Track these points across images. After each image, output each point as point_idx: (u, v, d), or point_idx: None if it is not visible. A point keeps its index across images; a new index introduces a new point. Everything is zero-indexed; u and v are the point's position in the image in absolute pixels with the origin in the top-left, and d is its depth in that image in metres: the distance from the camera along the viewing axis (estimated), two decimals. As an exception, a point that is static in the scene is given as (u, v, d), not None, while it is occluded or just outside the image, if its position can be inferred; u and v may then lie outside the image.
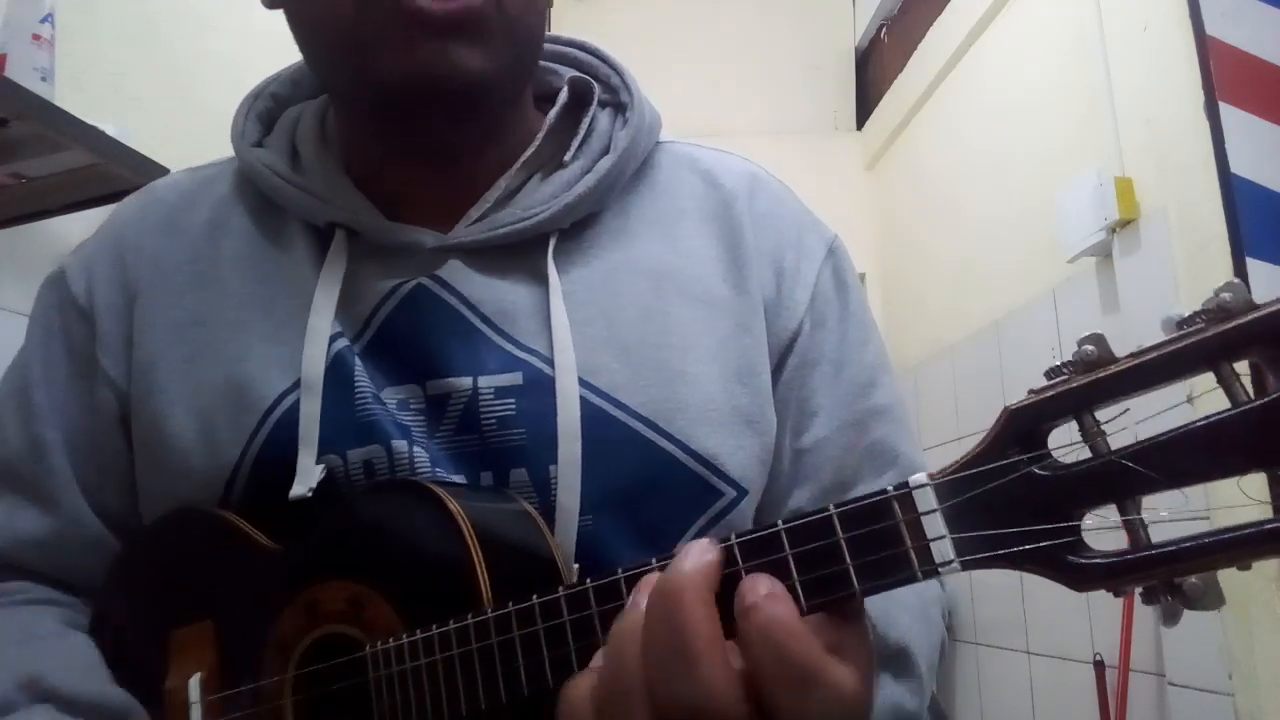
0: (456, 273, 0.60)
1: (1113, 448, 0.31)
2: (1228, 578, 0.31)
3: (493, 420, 0.56)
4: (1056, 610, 2.02)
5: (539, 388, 0.57)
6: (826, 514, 0.36)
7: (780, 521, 0.37)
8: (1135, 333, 1.69)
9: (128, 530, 0.63)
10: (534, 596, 0.43)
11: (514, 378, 0.57)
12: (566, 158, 0.63)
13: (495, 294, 0.60)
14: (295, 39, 0.61)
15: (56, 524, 0.62)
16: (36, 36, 1.20)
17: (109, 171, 1.26)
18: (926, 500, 0.34)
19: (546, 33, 0.67)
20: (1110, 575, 0.31)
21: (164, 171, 1.30)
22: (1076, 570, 0.31)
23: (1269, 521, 0.29)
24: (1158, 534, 0.31)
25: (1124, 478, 0.30)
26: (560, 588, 0.42)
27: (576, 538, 0.54)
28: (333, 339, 0.58)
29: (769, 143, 2.81)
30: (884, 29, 3.25)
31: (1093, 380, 0.31)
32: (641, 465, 0.56)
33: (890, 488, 0.35)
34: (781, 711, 0.35)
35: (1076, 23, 1.93)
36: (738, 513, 0.59)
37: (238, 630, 0.54)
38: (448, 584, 0.48)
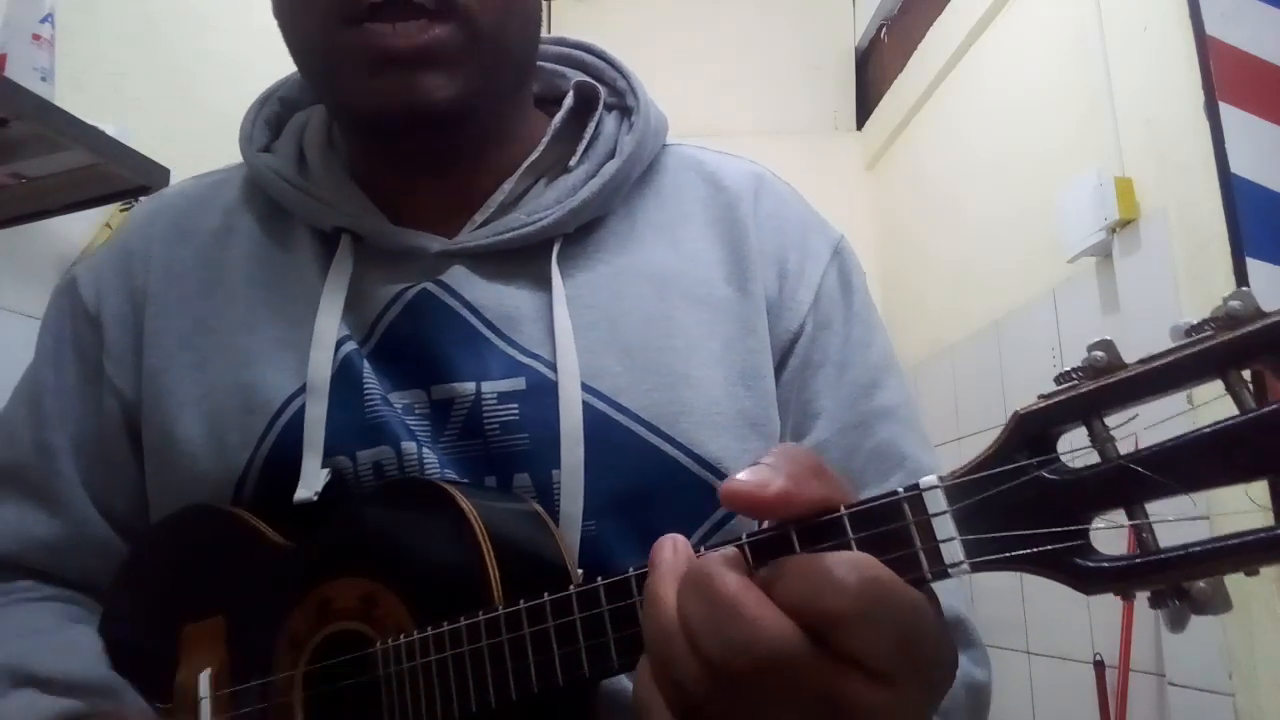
0: (461, 278, 0.60)
1: (1121, 453, 0.31)
2: (1232, 580, 0.31)
3: (496, 425, 0.56)
4: (1056, 610, 2.02)
5: (542, 392, 0.57)
6: (837, 514, 0.36)
7: (791, 523, 0.37)
8: (1135, 333, 1.69)
9: (135, 533, 0.64)
10: (545, 594, 0.43)
11: (517, 383, 0.57)
12: (572, 162, 0.64)
13: (499, 299, 0.60)
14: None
15: (65, 527, 0.63)
16: (36, 36, 1.20)
17: (109, 171, 1.26)
18: (937, 502, 0.34)
19: (547, 34, 0.67)
20: (1119, 579, 0.31)
21: (164, 171, 1.31)
22: (1085, 574, 0.32)
23: (1276, 528, 0.29)
24: (1164, 538, 0.31)
25: (1132, 483, 0.31)
26: (571, 585, 0.43)
27: (580, 543, 0.54)
28: (341, 343, 0.59)
29: (769, 143, 2.81)
30: (884, 29, 3.25)
31: (1102, 386, 0.32)
32: (645, 470, 0.56)
33: (900, 489, 0.35)
34: (853, 637, 0.32)
35: (1076, 23, 1.93)
36: (742, 518, 0.59)
37: (249, 626, 0.55)
38: (459, 582, 0.48)
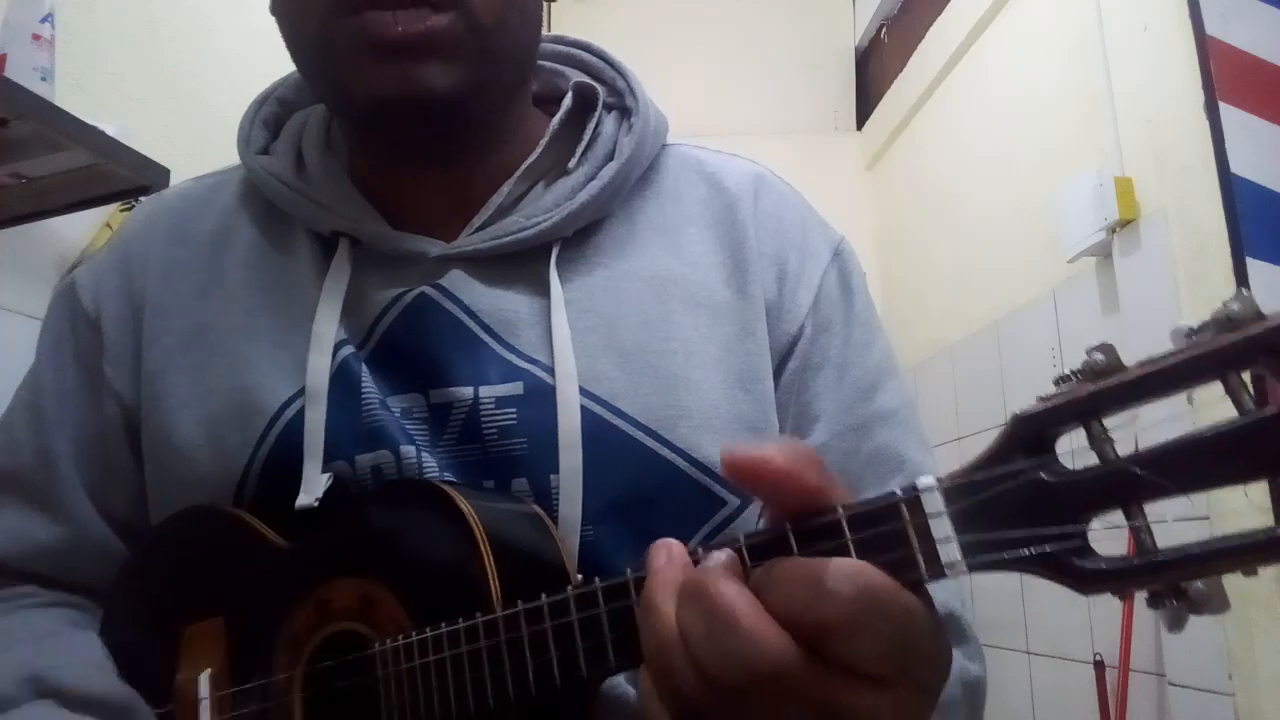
0: (459, 281, 0.60)
1: (1120, 455, 0.31)
2: (1229, 579, 0.31)
3: (494, 430, 0.56)
4: (1056, 610, 2.02)
5: (540, 397, 0.57)
6: (834, 516, 0.36)
7: (788, 524, 0.37)
8: (1135, 333, 1.69)
9: (136, 537, 0.64)
10: (543, 595, 0.43)
11: (515, 387, 0.57)
12: (571, 164, 0.63)
13: (497, 303, 0.60)
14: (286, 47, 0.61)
15: (67, 532, 0.63)
16: (36, 36, 1.20)
17: (109, 171, 1.26)
18: (934, 503, 0.34)
19: (546, 33, 0.67)
20: (1116, 580, 0.31)
21: (164, 171, 1.31)
22: (1083, 574, 0.32)
23: (1276, 529, 0.29)
24: (1162, 539, 0.32)
25: (1131, 484, 0.31)
26: (569, 586, 0.43)
27: (578, 548, 0.54)
28: (338, 346, 0.59)
29: (769, 143, 2.81)
30: (884, 29, 3.25)
31: (1100, 388, 0.32)
32: (643, 475, 0.56)
33: (898, 490, 0.35)
34: (846, 645, 0.33)
35: (1076, 23, 1.93)
36: (741, 521, 0.58)
37: (249, 627, 0.55)
38: (458, 583, 0.48)
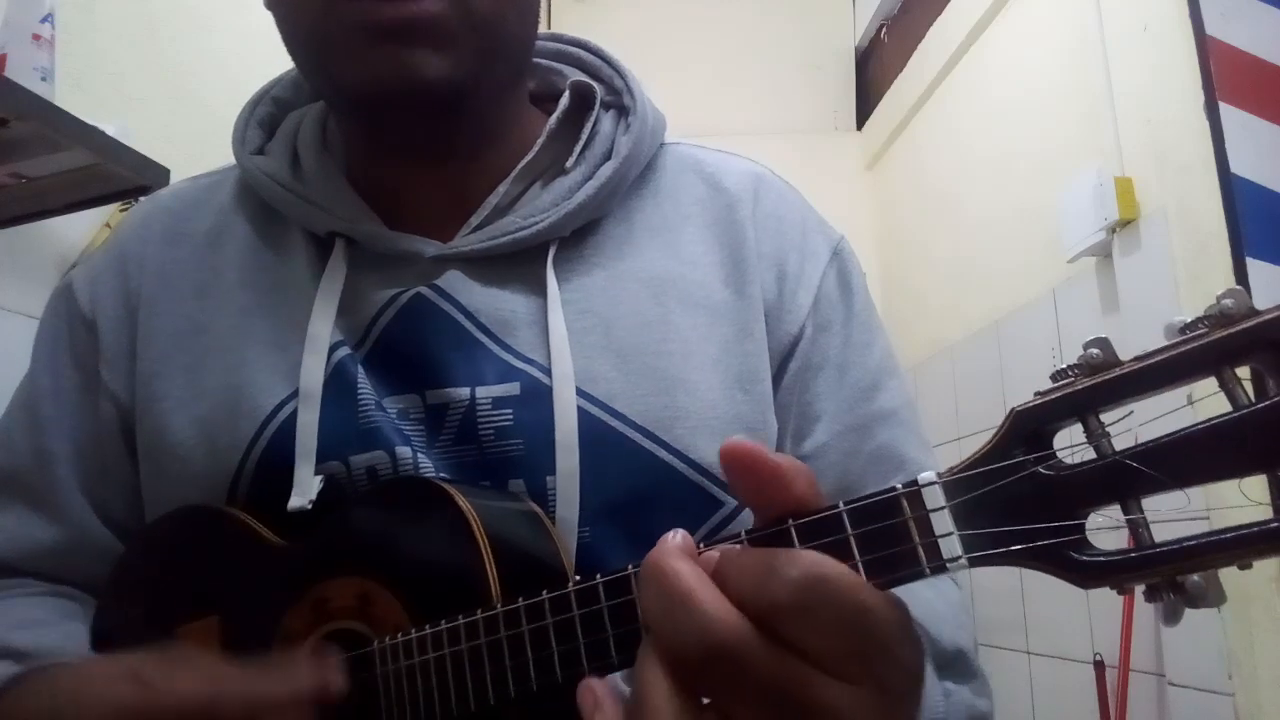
0: (456, 282, 0.60)
1: (1117, 449, 0.32)
2: (1228, 577, 0.31)
3: (490, 431, 0.56)
4: (1056, 610, 2.02)
5: (536, 398, 0.57)
6: (836, 510, 0.36)
7: (790, 518, 0.37)
8: (1135, 332, 1.69)
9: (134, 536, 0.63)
10: (544, 592, 0.43)
11: (511, 388, 0.57)
12: (568, 163, 0.63)
13: (494, 303, 0.60)
14: (282, 41, 0.61)
15: (65, 532, 0.63)
16: (36, 36, 1.20)
17: (109, 171, 1.26)
18: (935, 498, 0.34)
19: (545, 31, 0.67)
20: (1114, 573, 0.32)
21: (164, 171, 1.31)
22: (1081, 568, 0.32)
23: (1271, 521, 0.29)
24: (1159, 533, 0.32)
25: (1128, 478, 0.31)
26: (570, 583, 0.43)
27: (575, 549, 0.54)
28: (334, 347, 0.58)
29: (769, 143, 2.80)
30: (884, 29, 3.25)
31: (1097, 383, 0.32)
32: (640, 476, 0.56)
33: (899, 485, 0.35)
34: (797, 628, 0.32)
35: (1076, 23, 1.94)
36: (739, 522, 0.58)
37: (244, 626, 0.55)
38: (457, 581, 0.48)
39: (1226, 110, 1.55)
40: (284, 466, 0.56)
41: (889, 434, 0.62)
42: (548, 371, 0.57)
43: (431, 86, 0.55)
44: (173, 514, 0.60)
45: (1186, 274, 1.58)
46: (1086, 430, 0.32)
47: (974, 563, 0.34)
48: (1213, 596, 0.30)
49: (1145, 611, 1.69)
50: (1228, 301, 0.29)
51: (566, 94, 0.66)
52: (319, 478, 0.55)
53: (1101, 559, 0.32)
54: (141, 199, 1.10)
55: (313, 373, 0.57)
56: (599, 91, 0.66)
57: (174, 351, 0.62)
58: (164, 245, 0.66)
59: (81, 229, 1.42)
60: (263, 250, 0.64)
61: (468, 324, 0.59)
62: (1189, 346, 0.30)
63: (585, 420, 0.56)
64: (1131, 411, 0.32)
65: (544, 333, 0.58)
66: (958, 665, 0.55)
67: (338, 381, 0.57)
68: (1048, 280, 2.07)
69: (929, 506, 0.34)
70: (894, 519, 0.35)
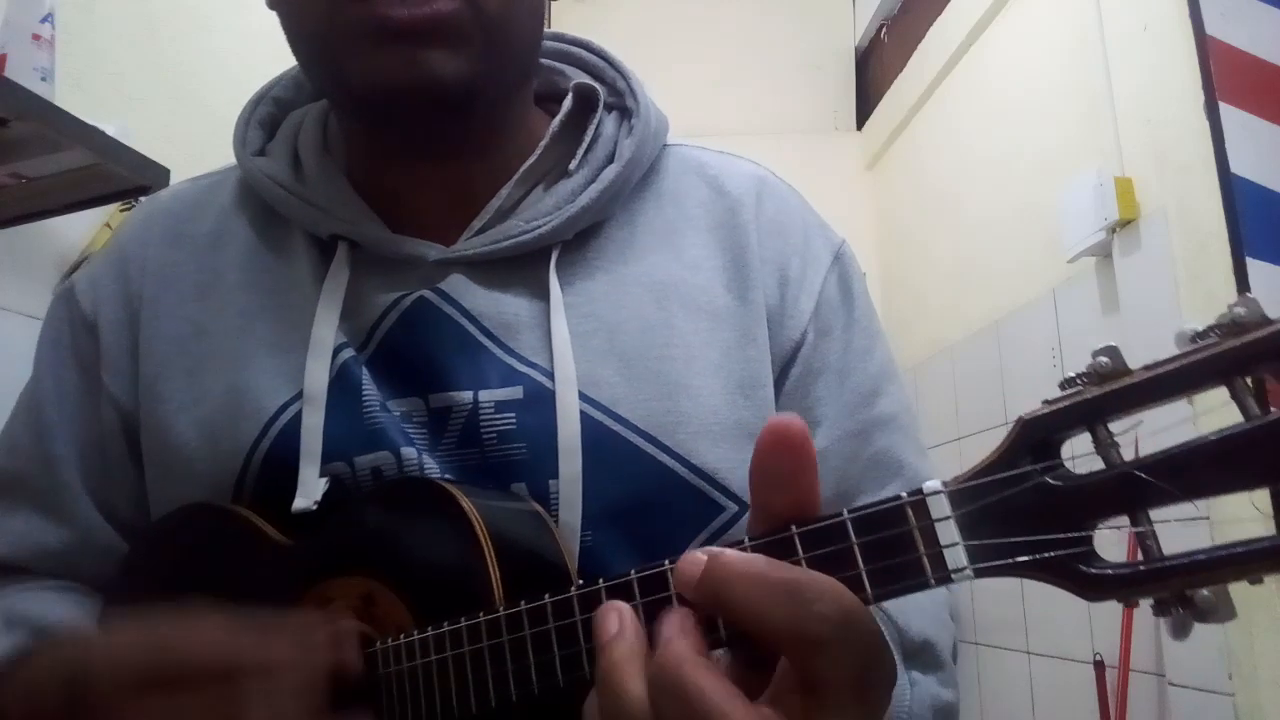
0: (459, 285, 0.60)
1: (1125, 459, 0.31)
2: (1234, 585, 0.31)
3: (493, 435, 0.56)
4: (1056, 610, 2.02)
5: (539, 402, 0.56)
6: (840, 518, 0.36)
7: (794, 525, 0.36)
8: (1135, 333, 1.69)
9: (139, 535, 0.64)
10: (546, 595, 0.43)
11: (514, 391, 0.57)
12: (571, 165, 0.63)
13: (497, 307, 0.60)
14: (286, 40, 0.61)
15: (72, 534, 0.63)
16: (36, 36, 1.20)
17: (109, 171, 1.25)
18: (940, 507, 0.34)
19: (547, 31, 0.67)
20: (1122, 586, 0.31)
21: (164, 171, 1.31)
22: (1089, 581, 0.32)
23: (1284, 536, 0.29)
24: (1166, 545, 0.31)
25: (1137, 489, 0.30)
26: (573, 586, 0.42)
27: (577, 553, 0.54)
28: (339, 349, 0.58)
29: (769, 143, 2.81)
30: (884, 29, 3.25)
31: (1106, 392, 0.31)
32: (642, 480, 0.56)
33: (904, 494, 0.35)
34: (837, 688, 0.32)
35: (1076, 23, 1.93)
36: (740, 527, 0.58)
37: None
38: (460, 582, 0.48)
39: (1226, 110, 1.55)
40: (288, 467, 0.56)
41: (888, 440, 0.62)
42: (550, 375, 0.57)
43: (445, 86, 0.54)
44: (178, 512, 0.60)
45: (1186, 274, 1.58)
46: (1095, 440, 0.32)
47: (980, 573, 0.33)
48: (1223, 611, 0.29)
49: (1145, 612, 1.68)
50: (1240, 310, 0.29)
51: (570, 96, 0.65)
52: (324, 479, 0.55)
53: (1110, 572, 0.31)
54: (142, 200, 1.09)
55: (317, 376, 0.57)
56: (602, 93, 0.66)
57: (176, 353, 0.62)
58: (165, 247, 0.66)
59: (81, 229, 1.42)
60: (264, 252, 0.64)
61: (471, 327, 0.59)
62: (1200, 356, 0.30)
63: (588, 424, 0.56)
64: (1141, 421, 0.31)
65: (547, 336, 0.58)
66: (924, 655, 0.56)
67: (342, 383, 0.57)
68: (1048, 280, 2.07)
69: (934, 516, 0.34)
70: (899, 528, 0.35)
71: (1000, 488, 0.33)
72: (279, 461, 0.56)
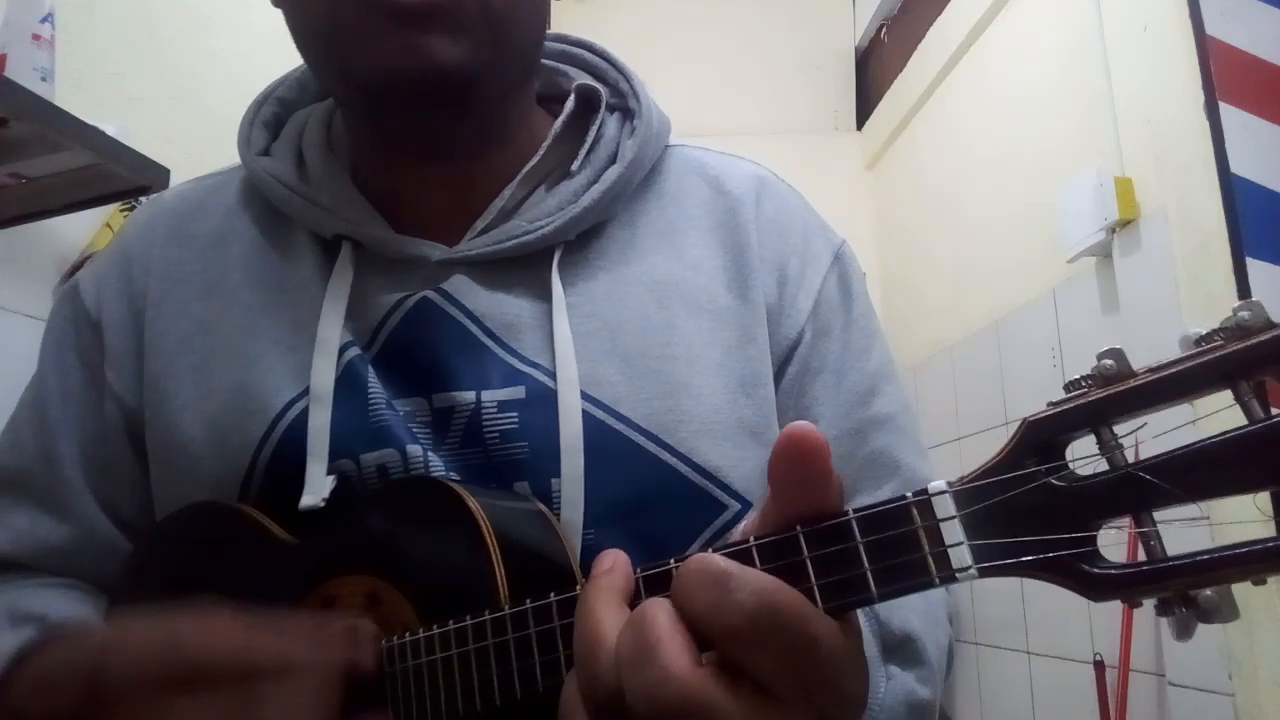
0: (461, 286, 0.60)
1: (1130, 461, 0.31)
2: (1236, 585, 0.31)
3: (495, 434, 0.56)
4: (1056, 610, 2.02)
5: (541, 401, 0.57)
6: (845, 518, 0.36)
7: (798, 525, 0.37)
8: (1135, 333, 1.69)
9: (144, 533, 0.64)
10: (551, 594, 0.43)
11: (517, 391, 0.57)
12: (573, 166, 0.63)
13: (500, 307, 0.60)
14: (291, 37, 0.61)
15: (74, 532, 0.63)
16: (36, 36, 1.20)
17: (109, 171, 1.25)
18: (945, 507, 0.34)
19: (549, 31, 0.67)
20: (1126, 586, 0.31)
21: (164, 171, 1.30)
22: (1093, 581, 0.32)
23: (1287, 537, 0.29)
24: (1170, 545, 0.32)
25: (1140, 491, 0.31)
26: (577, 585, 0.43)
27: (580, 552, 0.54)
28: (345, 348, 0.59)
29: (769, 143, 2.81)
30: (884, 29, 3.25)
31: (1110, 394, 0.32)
32: (644, 479, 0.56)
33: (909, 494, 0.35)
34: (772, 684, 0.33)
35: (1076, 23, 1.94)
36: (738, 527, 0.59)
37: None
38: (465, 581, 0.48)
39: (1226, 110, 1.55)
40: (295, 465, 0.56)
41: (885, 439, 0.62)
42: (553, 375, 0.57)
43: (446, 72, 0.55)
44: (184, 510, 0.60)
45: (1186, 274, 1.58)
46: (1099, 442, 0.32)
47: (984, 573, 0.33)
48: (1226, 611, 0.29)
49: (1145, 611, 1.68)
50: (1244, 313, 0.29)
51: (572, 97, 0.66)
52: (331, 477, 0.55)
53: (1114, 572, 0.31)
54: (145, 200, 1.10)
55: (323, 374, 0.57)
56: (604, 94, 0.66)
57: (181, 352, 0.62)
58: (169, 246, 0.66)
59: (81, 229, 1.42)
60: (269, 251, 0.64)
61: (473, 328, 0.59)
62: (1204, 359, 0.30)
63: (590, 424, 0.56)
64: (1145, 424, 0.31)
65: (549, 337, 0.59)
66: (904, 650, 0.55)
67: (348, 381, 0.58)
68: (1048, 280, 2.07)
69: (939, 516, 0.34)
70: (904, 528, 0.35)
71: (1005, 488, 0.33)
72: (285, 459, 0.56)
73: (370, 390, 0.57)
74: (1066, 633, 1.98)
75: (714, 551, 0.38)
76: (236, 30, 1.86)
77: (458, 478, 0.56)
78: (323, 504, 0.55)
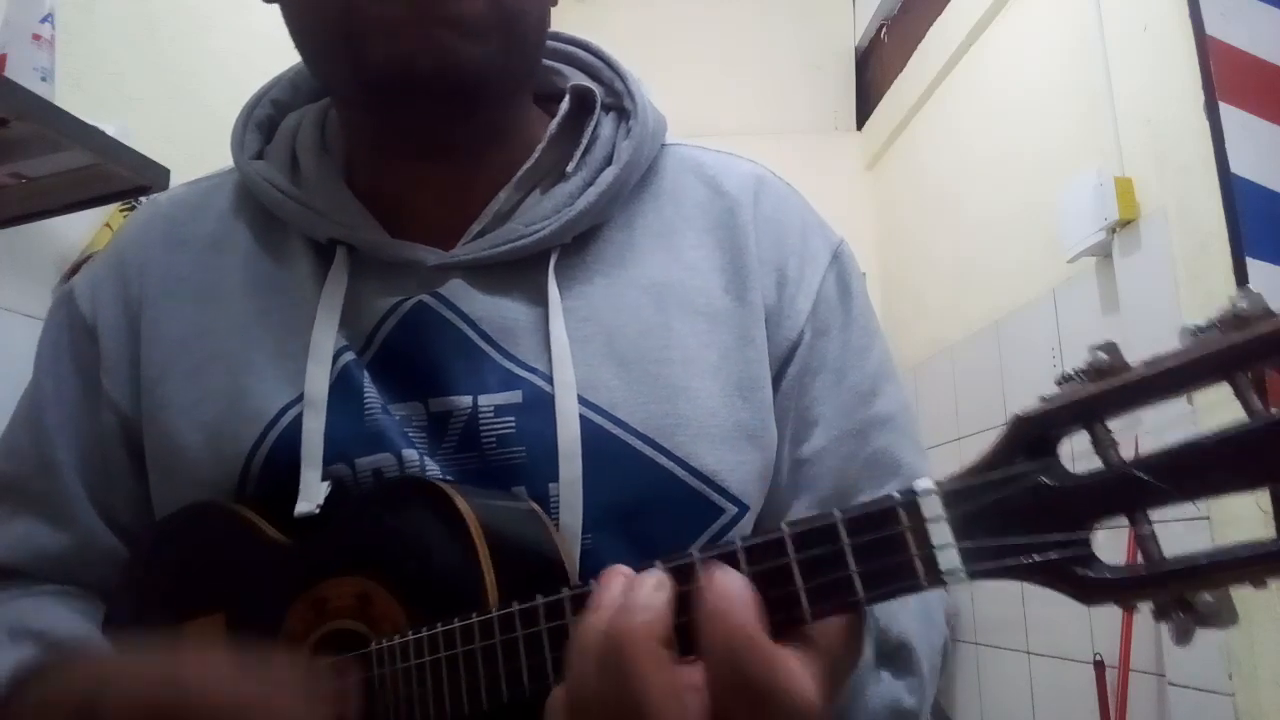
0: (458, 290, 0.60)
1: (1124, 458, 0.31)
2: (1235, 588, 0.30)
3: (492, 439, 0.56)
4: (1056, 610, 2.02)
5: (539, 406, 0.56)
6: (831, 520, 0.35)
7: (785, 525, 0.36)
8: (1135, 333, 1.69)
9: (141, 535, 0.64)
10: (538, 596, 0.43)
11: (514, 396, 0.57)
12: (569, 168, 0.63)
13: (496, 311, 0.59)
14: (290, 33, 0.60)
15: (73, 539, 0.63)
16: (36, 36, 1.20)
17: (109, 171, 1.25)
18: (932, 507, 0.33)
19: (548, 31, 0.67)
20: (1121, 590, 0.31)
21: (164, 171, 1.30)
22: (1087, 585, 0.31)
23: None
24: (1166, 547, 0.31)
25: (1136, 489, 0.30)
26: (565, 588, 0.42)
27: (578, 556, 0.54)
28: (340, 353, 0.58)
29: (769, 143, 2.80)
30: (884, 29, 3.25)
31: (1104, 389, 0.31)
32: (641, 483, 0.56)
33: (896, 494, 0.34)
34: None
35: (1076, 23, 1.93)
36: (739, 529, 0.58)
37: (249, 623, 0.55)
38: (455, 582, 0.48)
39: (1226, 110, 1.55)
40: (289, 470, 0.55)
41: (886, 439, 0.62)
42: (549, 379, 0.57)
43: (463, 72, 0.54)
44: (181, 511, 0.59)
45: (1186, 274, 1.58)
46: (1093, 438, 0.31)
47: (974, 576, 0.32)
48: (1225, 616, 0.28)
49: (1145, 612, 1.69)
50: (1242, 304, 0.28)
51: (567, 98, 0.65)
52: (326, 483, 0.55)
53: (1109, 576, 0.30)
54: (140, 204, 1.09)
55: (317, 380, 0.57)
56: (599, 94, 0.66)
57: (177, 357, 0.62)
58: (164, 250, 0.66)
59: (81, 229, 1.42)
60: (263, 256, 0.64)
61: (470, 332, 0.59)
62: (1201, 351, 0.29)
63: (587, 428, 0.56)
64: (1141, 420, 0.31)
65: (545, 341, 0.58)
66: (898, 658, 0.55)
67: (344, 385, 0.57)
68: (1048, 280, 2.06)
69: (927, 517, 0.33)
70: (890, 529, 0.34)
71: (995, 488, 0.32)
72: (280, 464, 0.56)
73: (365, 395, 0.57)
74: (1066, 633, 1.97)
75: (705, 555, 0.38)
76: (236, 30, 1.86)
77: (449, 479, 0.56)
78: (317, 511, 0.54)
